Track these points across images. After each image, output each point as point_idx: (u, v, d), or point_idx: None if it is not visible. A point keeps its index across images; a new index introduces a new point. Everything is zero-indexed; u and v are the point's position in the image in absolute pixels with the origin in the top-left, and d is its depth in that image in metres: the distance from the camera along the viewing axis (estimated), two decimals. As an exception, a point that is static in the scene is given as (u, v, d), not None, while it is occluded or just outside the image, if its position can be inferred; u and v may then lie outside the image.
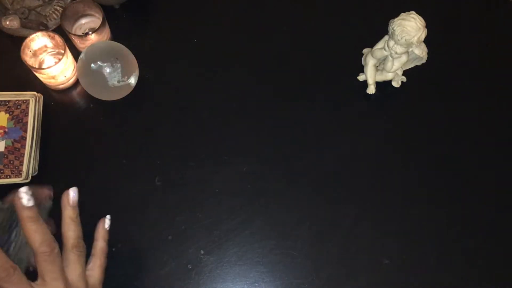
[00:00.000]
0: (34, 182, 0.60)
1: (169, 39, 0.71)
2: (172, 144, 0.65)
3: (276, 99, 0.68)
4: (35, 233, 0.41)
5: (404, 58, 0.64)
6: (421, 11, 0.60)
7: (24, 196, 0.41)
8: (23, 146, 0.59)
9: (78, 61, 0.62)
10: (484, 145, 0.68)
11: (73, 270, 0.43)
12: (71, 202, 0.45)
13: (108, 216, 0.50)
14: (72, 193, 0.45)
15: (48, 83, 0.65)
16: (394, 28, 0.60)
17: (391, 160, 0.66)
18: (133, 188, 0.62)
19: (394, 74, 0.68)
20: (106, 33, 0.66)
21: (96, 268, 0.47)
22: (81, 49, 0.65)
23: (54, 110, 0.66)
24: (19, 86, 0.64)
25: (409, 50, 0.62)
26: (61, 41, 0.62)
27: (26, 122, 0.60)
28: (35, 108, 0.61)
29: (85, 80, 0.63)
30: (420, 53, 0.63)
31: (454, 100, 0.70)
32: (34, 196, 0.44)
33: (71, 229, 0.44)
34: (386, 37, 0.64)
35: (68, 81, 0.65)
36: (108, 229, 0.50)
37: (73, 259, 0.44)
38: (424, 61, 0.65)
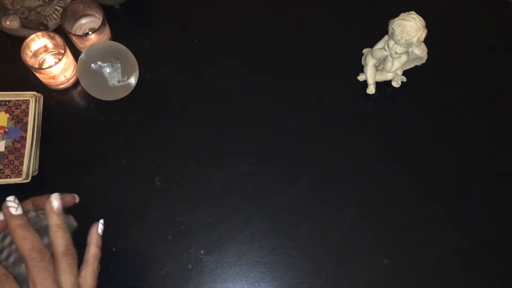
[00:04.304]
0: (34, 182, 0.60)
1: (169, 39, 0.71)
2: (172, 144, 0.65)
3: (276, 99, 0.68)
4: (24, 239, 0.40)
5: (404, 58, 0.64)
6: (421, 11, 0.60)
7: (12, 205, 0.40)
8: (23, 146, 0.59)
9: (78, 61, 0.62)
10: (485, 145, 0.68)
11: (65, 279, 0.41)
12: (55, 209, 0.43)
13: (101, 221, 0.47)
14: (55, 201, 0.43)
15: (48, 83, 0.65)
16: (394, 28, 0.60)
17: (391, 160, 0.66)
18: (133, 188, 0.62)
19: (394, 74, 0.68)
20: (106, 33, 0.66)
21: (88, 276, 0.44)
22: (81, 49, 0.65)
23: (54, 110, 0.66)
24: (19, 86, 0.64)
25: (409, 50, 0.62)
26: (61, 41, 0.62)
27: (26, 122, 0.60)
28: (35, 108, 0.61)
29: (85, 80, 0.63)
30: (420, 53, 0.63)
31: (454, 100, 0.70)
32: (61, 203, 0.43)
33: (59, 236, 0.42)
34: (386, 37, 0.64)
35: (68, 81, 0.65)
36: (101, 234, 0.47)
37: (64, 267, 0.42)
38: (424, 61, 0.65)
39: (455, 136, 0.68)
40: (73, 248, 0.43)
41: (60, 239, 0.42)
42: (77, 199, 0.47)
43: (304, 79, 0.70)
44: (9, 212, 0.40)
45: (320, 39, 0.72)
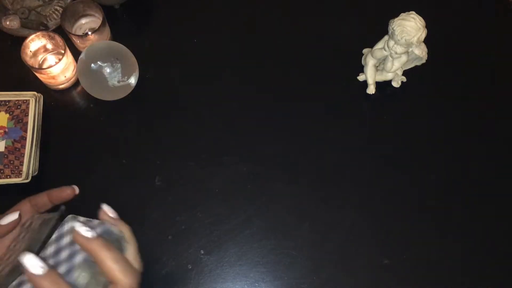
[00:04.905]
0: (34, 182, 0.60)
1: (169, 39, 0.71)
2: (172, 144, 0.65)
3: (276, 99, 0.68)
4: (113, 262, 0.36)
5: (404, 58, 0.64)
6: (421, 11, 0.60)
7: (82, 229, 0.37)
8: (23, 146, 0.59)
9: (78, 61, 0.62)
10: (484, 145, 0.68)
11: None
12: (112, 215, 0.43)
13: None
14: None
15: (48, 83, 0.65)
16: (394, 28, 0.60)
17: (390, 160, 0.66)
18: (133, 188, 0.62)
19: (394, 74, 0.68)
20: (106, 33, 0.66)
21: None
22: (81, 49, 0.65)
23: (54, 110, 0.66)
24: (19, 86, 0.64)
25: (409, 50, 0.62)
26: (61, 41, 0.62)
27: (26, 122, 0.60)
28: (35, 108, 0.61)
29: (85, 80, 0.63)
30: (420, 53, 0.63)
31: (454, 100, 0.70)
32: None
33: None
34: (386, 37, 0.64)
35: (68, 81, 0.66)
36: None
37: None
38: (424, 61, 0.65)
39: (455, 136, 0.68)
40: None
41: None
42: (76, 191, 0.47)
43: (304, 79, 0.70)
44: (83, 237, 0.36)
45: (320, 39, 0.72)
